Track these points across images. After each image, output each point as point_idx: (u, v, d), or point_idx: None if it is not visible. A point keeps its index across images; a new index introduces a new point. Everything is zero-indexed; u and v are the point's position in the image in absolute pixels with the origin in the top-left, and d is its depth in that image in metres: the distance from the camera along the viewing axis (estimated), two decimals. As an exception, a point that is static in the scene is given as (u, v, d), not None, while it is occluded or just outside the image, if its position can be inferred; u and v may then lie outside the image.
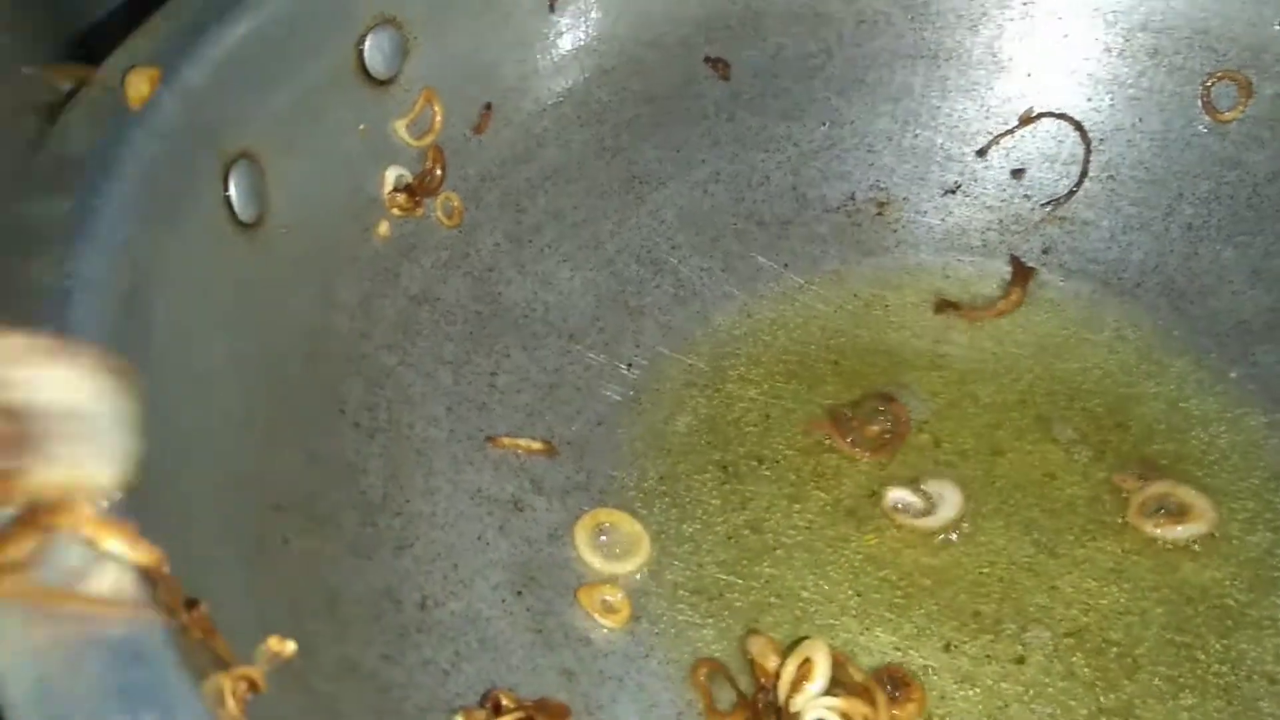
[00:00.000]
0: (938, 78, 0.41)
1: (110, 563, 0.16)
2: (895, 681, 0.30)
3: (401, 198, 0.35)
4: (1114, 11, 0.40)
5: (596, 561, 0.33)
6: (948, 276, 0.40)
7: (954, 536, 0.33)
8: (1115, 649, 0.31)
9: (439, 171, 0.36)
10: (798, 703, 0.29)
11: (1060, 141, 0.41)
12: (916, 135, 0.41)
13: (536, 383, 0.36)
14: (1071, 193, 0.41)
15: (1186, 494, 0.34)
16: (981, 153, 0.41)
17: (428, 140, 0.35)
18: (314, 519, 0.28)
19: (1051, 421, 0.36)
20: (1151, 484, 0.34)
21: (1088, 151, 0.41)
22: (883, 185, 0.41)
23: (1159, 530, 0.33)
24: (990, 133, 0.41)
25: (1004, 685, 0.30)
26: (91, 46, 0.34)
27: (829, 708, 0.29)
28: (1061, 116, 0.41)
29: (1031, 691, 0.30)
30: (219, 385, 0.26)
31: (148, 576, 0.17)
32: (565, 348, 0.37)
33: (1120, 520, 0.33)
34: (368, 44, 0.33)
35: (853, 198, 0.41)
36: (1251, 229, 0.39)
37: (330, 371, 0.31)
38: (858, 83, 0.41)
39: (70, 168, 0.24)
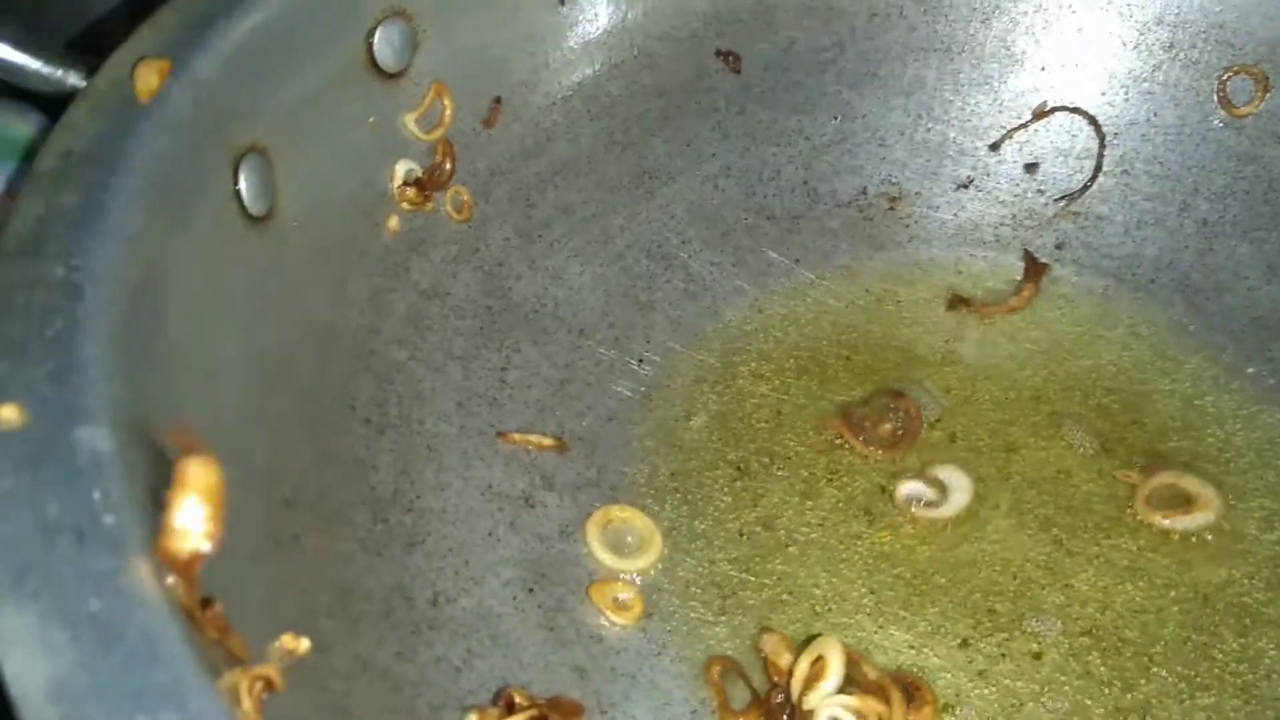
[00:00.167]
0: (951, 71, 0.41)
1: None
2: (908, 688, 0.30)
3: (411, 192, 0.34)
4: (1129, 5, 0.40)
5: (608, 558, 0.32)
6: (960, 272, 0.40)
7: (968, 525, 0.33)
8: (1131, 647, 0.31)
9: (449, 165, 0.36)
10: (811, 701, 0.29)
11: (1074, 136, 0.41)
12: (929, 129, 0.41)
13: (547, 378, 0.36)
14: (1085, 187, 0.40)
15: (1190, 484, 0.33)
16: (995, 147, 0.41)
17: (437, 134, 0.35)
18: (325, 516, 0.27)
19: (1066, 418, 0.36)
20: (1155, 476, 0.34)
21: (1102, 146, 0.40)
22: (895, 180, 0.41)
23: (1168, 521, 0.33)
24: (1003, 127, 0.41)
25: (1019, 683, 0.30)
26: (92, 44, 0.34)
27: (843, 706, 0.29)
28: (1075, 111, 0.41)
29: (1047, 690, 0.30)
30: (229, 380, 0.26)
31: (174, 576, 0.16)
32: (575, 343, 0.37)
33: (1135, 518, 0.33)
34: (377, 37, 0.32)
35: (864, 192, 0.41)
36: (1267, 224, 0.38)
37: (340, 367, 0.31)
38: (870, 76, 0.41)
39: (79, 161, 0.23)
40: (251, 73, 0.28)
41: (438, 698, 0.27)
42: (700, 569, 0.33)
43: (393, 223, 0.34)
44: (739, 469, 0.35)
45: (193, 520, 0.17)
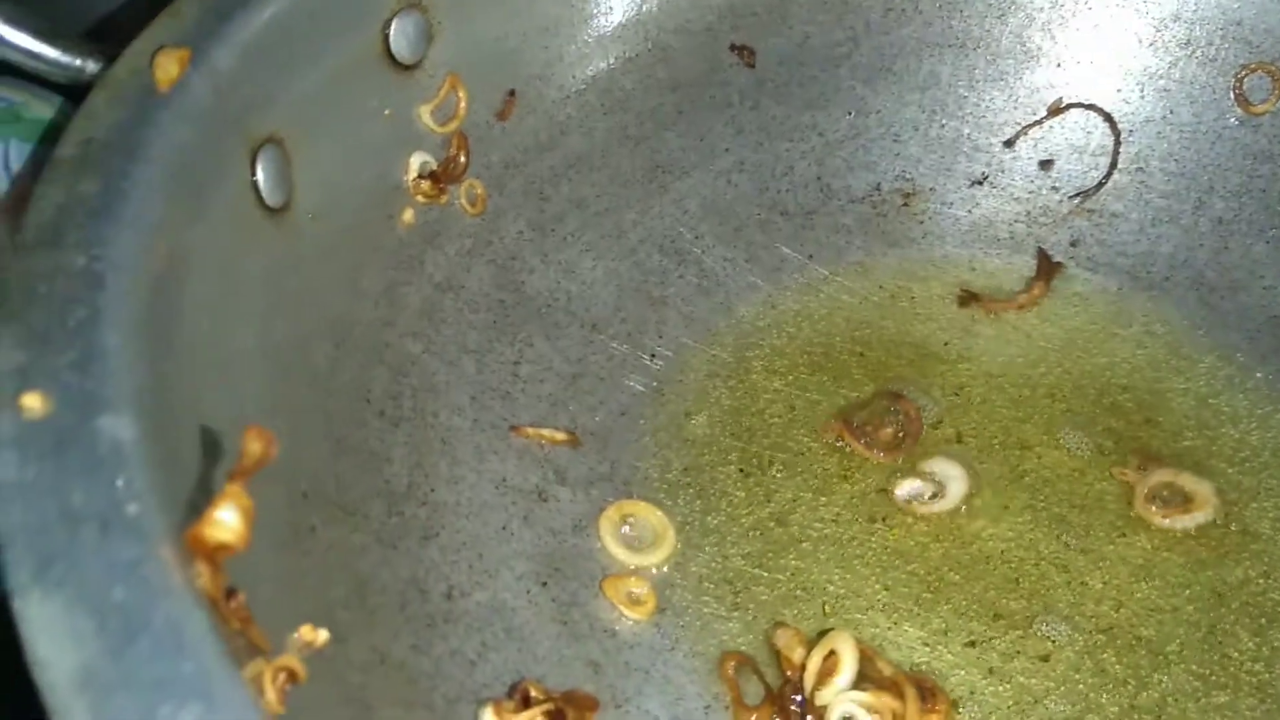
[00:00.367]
0: (966, 67, 0.41)
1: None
2: (922, 689, 0.29)
3: (426, 184, 0.34)
4: (1146, 1, 0.40)
5: (621, 553, 0.32)
6: (974, 269, 0.40)
7: (966, 510, 0.33)
8: (1146, 646, 0.31)
9: (463, 158, 0.35)
10: (825, 696, 0.29)
11: (1089, 133, 0.41)
12: (943, 125, 0.41)
13: (559, 372, 0.36)
14: (1100, 185, 0.40)
15: (1187, 481, 0.33)
16: (1009, 143, 0.41)
17: (452, 126, 0.35)
18: (342, 508, 0.27)
19: (1079, 417, 0.36)
20: (1152, 474, 0.34)
21: (1117, 143, 0.40)
22: (909, 176, 0.41)
23: (1167, 521, 0.33)
24: (1018, 123, 0.41)
25: (1033, 681, 0.30)
26: (106, 35, 0.34)
27: (857, 702, 0.29)
28: (1091, 107, 0.40)
29: (1062, 688, 0.30)
30: (246, 371, 0.26)
31: (201, 564, 0.16)
32: (588, 338, 0.37)
33: (1135, 518, 0.33)
34: (393, 28, 0.32)
35: (878, 188, 0.41)
36: (1284, 223, 0.38)
37: (355, 359, 0.31)
38: (884, 71, 0.41)
39: (99, 149, 0.23)
40: (269, 63, 0.28)
41: (453, 690, 0.27)
42: (713, 564, 0.33)
43: (407, 215, 0.34)
44: (752, 464, 0.35)
45: (232, 516, 0.17)
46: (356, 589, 0.26)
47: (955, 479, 0.34)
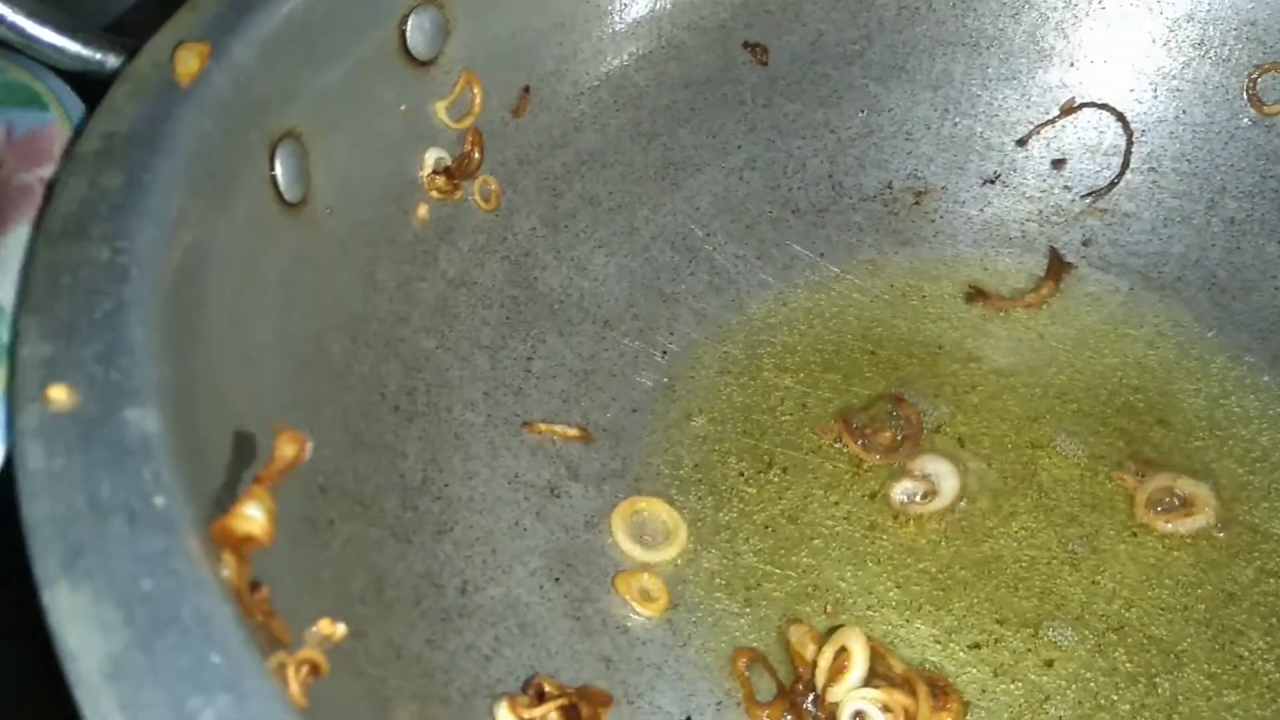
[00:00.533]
0: (979, 65, 0.41)
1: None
2: (934, 687, 0.30)
3: (440, 180, 0.34)
4: (1159, 1, 0.40)
5: (634, 549, 0.33)
6: (986, 268, 0.40)
7: (963, 504, 0.33)
8: (1158, 645, 0.31)
9: (477, 154, 0.36)
10: (836, 693, 0.29)
11: (1102, 132, 0.41)
12: (956, 124, 0.41)
13: (571, 369, 0.36)
14: (1113, 184, 0.40)
15: (1185, 485, 0.33)
16: (1022, 142, 0.41)
17: (467, 122, 0.35)
18: (358, 502, 0.28)
19: (1091, 417, 0.36)
20: (1150, 478, 0.34)
21: (1129, 143, 0.40)
22: (921, 174, 0.41)
23: (1169, 525, 0.33)
24: (1031, 122, 0.41)
25: (1045, 679, 0.30)
26: (124, 30, 0.34)
27: (869, 699, 0.29)
28: (1104, 107, 0.40)
29: (1073, 687, 0.30)
30: (264, 365, 0.26)
31: (228, 553, 0.17)
32: (600, 334, 0.37)
33: (1137, 523, 0.33)
34: (410, 24, 0.32)
35: (890, 186, 0.41)
36: (1297, 224, 0.38)
37: (370, 354, 0.31)
38: (897, 70, 0.41)
39: (121, 142, 0.23)
40: (288, 58, 0.28)
41: (468, 685, 0.27)
42: (725, 561, 0.33)
43: (422, 211, 0.34)
44: (764, 461, 0.35)
45: (258, 512, 0.17)
46: (373, 583, 0.26)
47: (946, 475, 0.34)
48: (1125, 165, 0.40)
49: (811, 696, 0.29)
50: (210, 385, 0.22)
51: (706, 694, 0.30)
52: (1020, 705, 0.30)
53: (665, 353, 0.37)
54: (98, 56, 0.28)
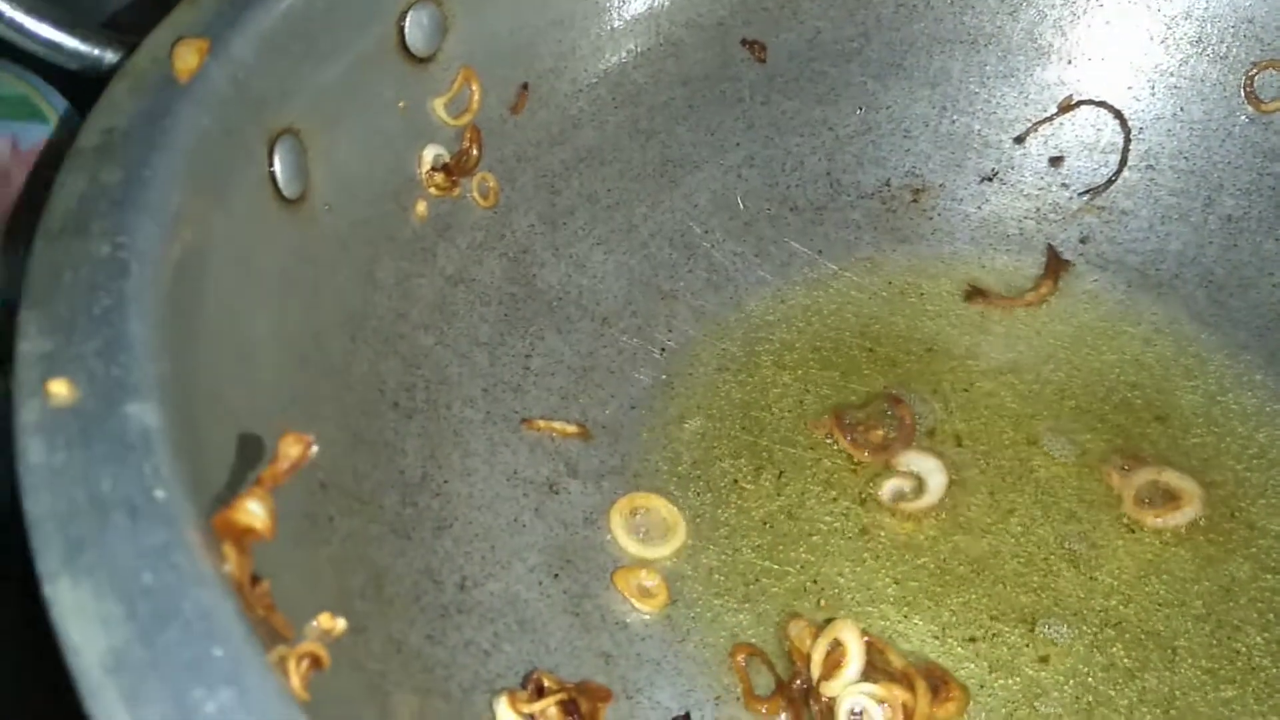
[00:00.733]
0: (976, 63, 0.41)
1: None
2: (935, 681, 0.30)
3: (439, 177, 0.34)
4: (1157, -1, 0.40)
5: (632, 546, 0.33)
6: (984, 266, 0.40)
7: (956, 500, 0.33)
8: (1155, 640, 0.31)
9: (476, 151, 0.36)
10: (834, 688, 0.29)
11: (1099, 130, 0.41)
12: (954, 121, 0.41)
13: (570, 366, 0.36)
14: (1110, 182, 0.40)
15: (1171, 478, 0.34)
16: (1020, 140, 0.41)
17: (465, 119, 0.35)
18: (358, 498, 0.28)
19: (1089, 414, 0.36)
20: (1136, 472, 0.34)
21: (1127, 140, 0.40)
22: (918, 172, 0.41)
23: (1160, 520, 0.33)
24: (1029, 120, 0.41)
25: (1042, 674, 0.30)
26: (122, 26, 0.34)
27: (867, 694, 0.29)
28: (1101, 104, 0.40)
29: (1071, 681, 0.30)
30: (264, 361, 0.26)
31: (229, 546, 0.17)
32: (598, 331, 0.37)
33: (1127, 519, 0.33)
34: (409, 20, 0.32)
35: (888, 184, 0.41)
36: (1294, 221, 0.38)
37: (369, 351, 0.31)
38: (895, 67, 0.41)
39: (120, 138, 0.23)
40: (287, 54, 0.28)
41: (468, 680, 0.27)
42: (724, 557, 0.33)
43: (421, 208, 0.34)
44: (762, 458, 0.35)
45: (259, 508, 0.17)
46: (373, 579, 0.27)
47: (933, 472, 0.34)
48: (1123, 163, 0.40)
49: (807, 689, 0.29)
50: (210, 381, 0.22)
51: (705, 689, 0.30)
52: (1017, 700, 0.30)
53: (664, 350, 0.37)
54: (96, 52, 0.28)
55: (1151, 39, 0.40)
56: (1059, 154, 0.41)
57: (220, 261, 0.25)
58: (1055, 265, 0.40)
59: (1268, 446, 0.35)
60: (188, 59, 0.25)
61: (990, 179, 0.41)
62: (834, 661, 0.29)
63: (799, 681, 0.30)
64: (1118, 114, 0.40)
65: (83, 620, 0.16)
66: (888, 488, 0.34)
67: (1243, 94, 0.39)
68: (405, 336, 0.33)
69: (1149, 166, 0.40)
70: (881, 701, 0.29)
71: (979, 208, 0.41)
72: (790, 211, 0.41)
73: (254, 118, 0.27)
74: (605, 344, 0.37)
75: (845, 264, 0.40)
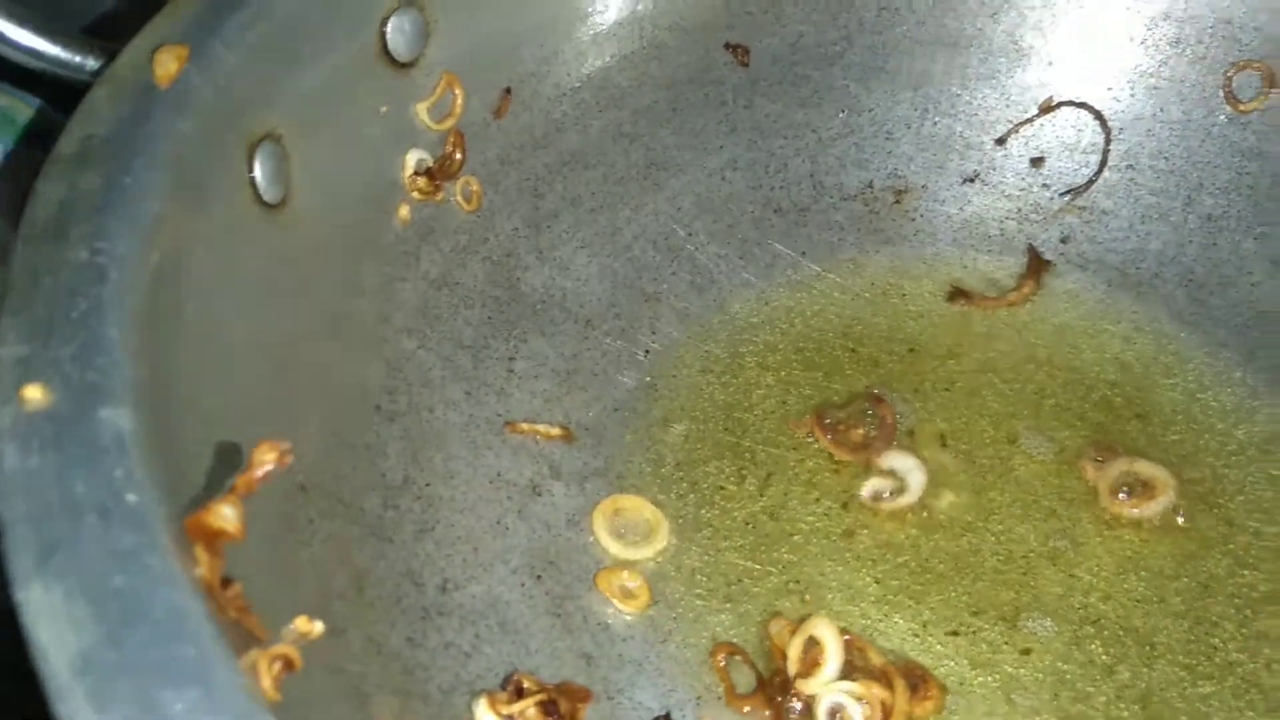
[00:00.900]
0: (958, 66, 0.41)
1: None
2: (913, 679, 0.30)
3: (422, 181, 0.35)
4: (1136, 0, 0.40)
5: (615, 547, 0.33)
6: (965, 266, 0.40)
7: (937, 498, 0.34)
8: (1134, 636, 0.31)
9: (459, 155, 0.36)
10: (813, 686, 0.29)
11: (1080, 130, 0.41)
12: (936, 123, 0.41)
13: (554, 368, 0.36)
14: (1091, 182, 0.41)
15: (1143, 468, 0.34)
16: (1001, 141, 0.41)
17: (448, 124, 0.35)
18: (339, 500, 0.28)
19: (1069, 412, 0.36)
20: (1109, 464, 0.34)
21: (1107, 141, 0.41)
22: (901, 173, 0.41)
23: (1135, 511, 0.33)
24: (1010, 121, 0.41)
25: (1022, 671, 0.31)
26: (105, 32, 0.34)
27: (846, 692, 0.29)
28: (1082, 105, 0.41)
29: (1050, 678, 0.30)
30: (244, 365, 0.26)
31: (200, 548, 0.17)
32: (582, 334, 0.37)
33: (1106, 513, 0.33)
34: (390, 26, 0.32)
35: (871, 186, 0.41)
36: (1272, 220, 0.39)
37: (352, 354, 0.31)
38: (877, 70, 0.41)
39: (100, 144, 0.24)
40: (267, 60, 0.28)
41: (448, 681, 0.27)
42: (706, 557, 0.33)
43: (403, 212, 0.34)
44: (745, 459, 0.35)
45: (232, 512, 0.18)
46: (354, 581, 0.27)
47: (912, 470, 0.34)
48: (1103, 163, 0.41)
49: (785, 687, 0.30)
50: (188, 385, 0.23)
51: (686, 689, 0.30)
52: (996, 696, 0.30)
53: (647, 352, 0.37)
54: (77, 59, 0.29)
55: (1131, 40, 0.40)
56: (1040, 155, 0.41)
57: (200, 267, 0.25)
58: (1036, 265, 0.40)
59: (1246, 443, 0.35)
60: (168, 65, 0.25)
61: (972, 180, 0.41)
62: (812, 660, 0.30)
63: (780, 680, 0.30)
64: (1098, 115, 0.41)
65: (52, 623, 0.16)
66: (869, 487, 0.34)
67: (1221, 94, 0.39)
68: (388, 340, 0.33)
69: (1129, 166, 0.41)
70: (860, 699, 0.29)
71: (961, 209, 0.41)
72: (774, 213, 0.41)
73: (234, 123, 0.27)
74: (589, 346, 0.37)
75: (828, 265, 0.40)
